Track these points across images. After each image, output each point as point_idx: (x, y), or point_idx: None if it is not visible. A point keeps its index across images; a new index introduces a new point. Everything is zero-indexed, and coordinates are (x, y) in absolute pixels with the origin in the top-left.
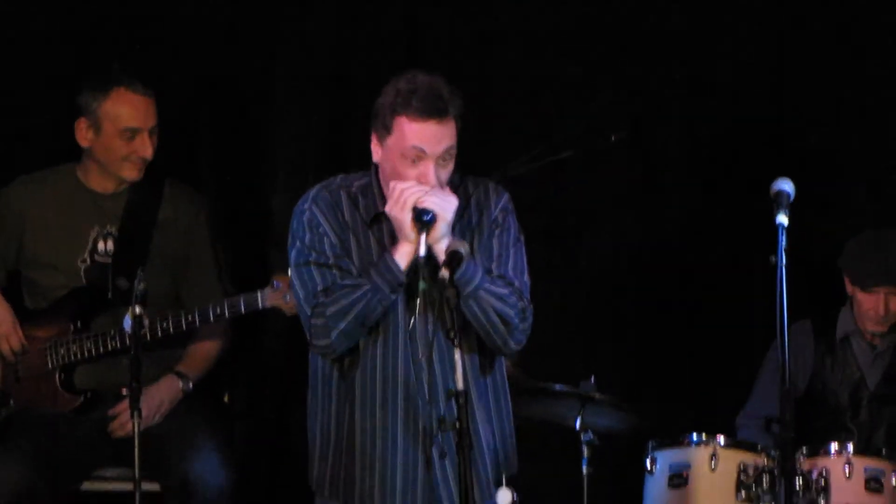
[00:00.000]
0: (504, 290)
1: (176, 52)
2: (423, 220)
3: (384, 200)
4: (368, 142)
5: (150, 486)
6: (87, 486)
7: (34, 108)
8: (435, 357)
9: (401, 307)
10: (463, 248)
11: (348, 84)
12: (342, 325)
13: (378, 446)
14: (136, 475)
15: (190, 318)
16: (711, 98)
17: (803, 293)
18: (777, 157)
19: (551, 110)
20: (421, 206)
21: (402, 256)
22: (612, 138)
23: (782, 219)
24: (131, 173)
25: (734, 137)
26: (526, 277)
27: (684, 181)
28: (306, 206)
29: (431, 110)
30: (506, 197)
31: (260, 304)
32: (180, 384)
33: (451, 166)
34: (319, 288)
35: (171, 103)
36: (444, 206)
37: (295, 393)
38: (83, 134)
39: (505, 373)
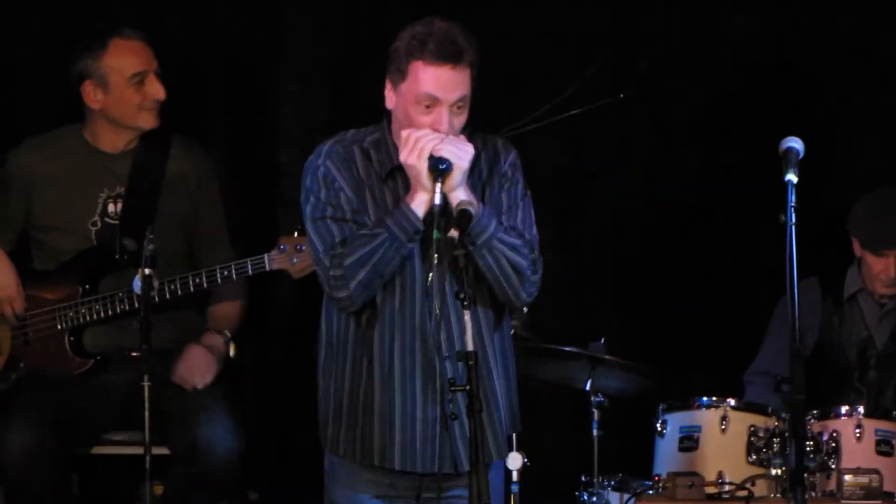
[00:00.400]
0: (517, 241)
1: (184, 6)
2: (439, 168)
3: (398, 153)
4: (379, 94)
5: (160, 450)
6: (96, 450)
7: (36, 72)
8: (451, 312)
9: (417, 261)
10: (472, 208)
11: (357, 35)
12: (361, 276)
13: (397, 403)
14: (146, 439)
15: (198, 281)
16: (719, 53)
17: (811, 250)
18: (787, 112)
19: (559, 67)
20: (437, 154)
21: (419, 205)
22: (621, 95)
23: (791, 176)
24: (149, 121)
25: (743, 93)
26: (535, 231)
27: (692, 138)
28: (320, 161)
29: (447, 55)
30: (514, 153)
31: (267, 267)
32: (222, 339)
33: (465, 115)
34: (337, 240)
35: (178, 59)
36: (461, 154)
37: (303, 353)
38: (91, 96)
39: (510, 332)
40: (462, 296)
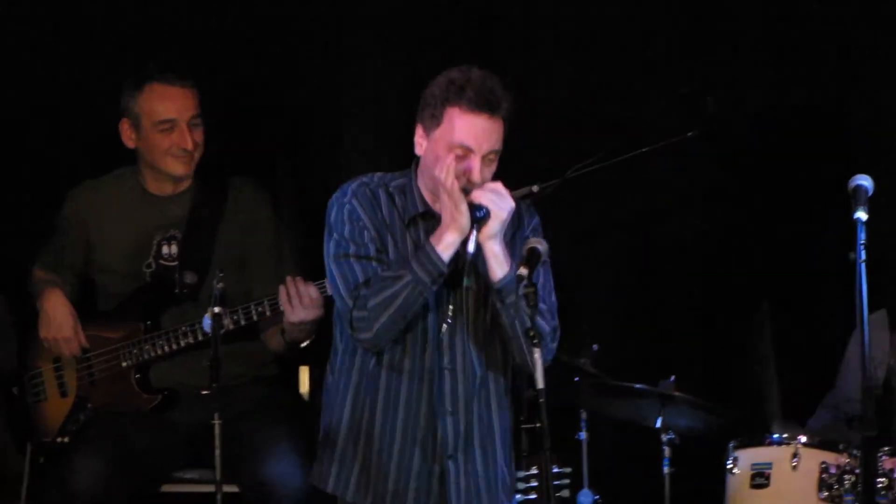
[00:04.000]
0: (542, 306)
1: (254, 52)
2: (477, 215)
3: (423, 200)
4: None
5: (229, 488)
6: (165, 488)
7: (97, 112)
8: (458, 367)
9: (430, 317)
10: (541, 246)
11: (421, 82)
12: (384, 318)
13: (395, 452)
14: (218, 477)
15: (260, 309)
16: (784, 93)
17: (878, 283)
18: (849, 151)
19: (620, 109)
20: (476, 200)
21: (446, 247)
22: (689, 134)
23: (861, 214)
24: (176, 168)
25: (808, 133)
26: (553, 297)
27: (757, 177)
28: (346, 199)
29: (484, 104)
30: (536, 219)
31: (330, 290)
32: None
33: (493, 167)
34: (360, 280)
35: (244, 101)
36: (501, 204)
37: None
38: (127, 135)
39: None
40: (532, 333)
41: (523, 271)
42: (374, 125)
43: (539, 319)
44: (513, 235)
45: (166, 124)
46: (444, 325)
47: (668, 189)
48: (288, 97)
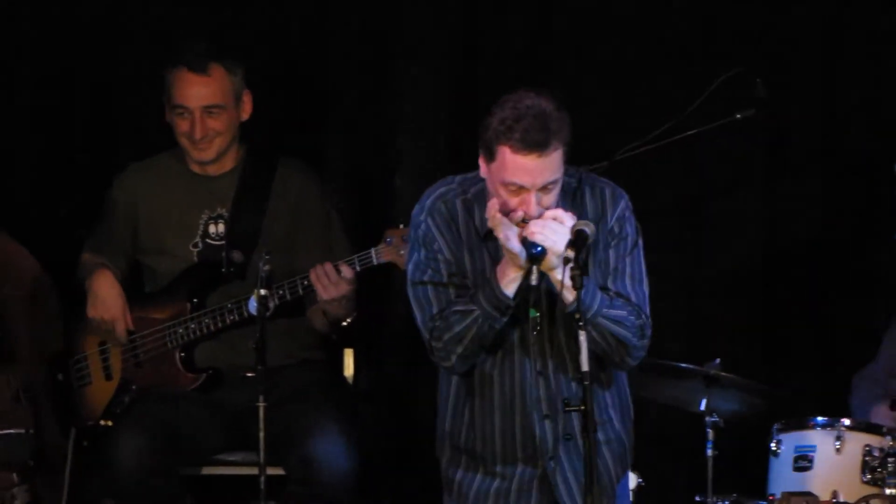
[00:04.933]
0: (622, 312)
1: (306, 29)
2: (533, 253)
3: None
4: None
5: (274, 470)
6: (209, 470)
7: (147, 95)
8: (551, 372)
9: (516, 323)
10: (588, 228)
11: (475, 54)
12: (459, 350)
13: (498, 458)
14: (262, 459)
15: (306, 283)
16: (842, 77)
17: None
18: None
19: (676, 86)
20: (531, 238)
21: (509, 283)
22: (738, 116)
23: None
24: (193, 152)
25: (862, 118)
26: (645, 286)
27: (809, 159)
28: (422, 217)
29: (533, 144)
30: (623, 202)
31: (374, 261)
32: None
33: (555, 192)
34: (434, 311)
35: (297, 82)
36: (555, 238)
37: (420, 372)
38: (167, 111)
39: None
40: (578, 316)
41: (569, 254)
42: (427, 103)
43: (617, 328)
44: (596, 229)
45: (180, 110)
46: (534, 332)
47: (719, 170)
48: (338, 75)
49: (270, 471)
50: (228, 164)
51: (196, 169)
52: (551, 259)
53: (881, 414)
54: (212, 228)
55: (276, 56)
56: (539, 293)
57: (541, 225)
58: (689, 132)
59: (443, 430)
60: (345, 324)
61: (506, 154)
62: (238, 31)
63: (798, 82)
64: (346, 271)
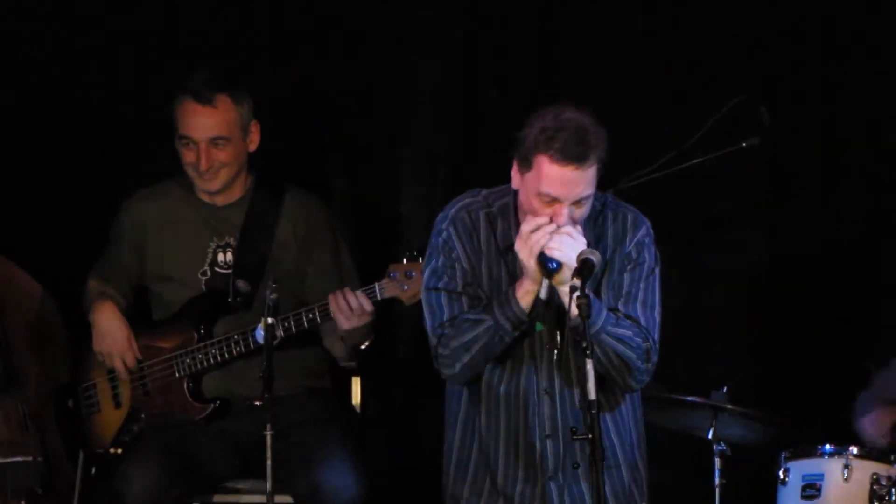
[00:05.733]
0: (627, 332)
1: (306, 55)
2: (548, 267)
3: (519, 228)
4: (500, 150)
5: (282, 498)
6: (217, 498)
7: (153, 121)
8: (556, 391)
9: (526, 341)
10: (594, 257)
11: (477, 88)
12: (466, 359)
13: (499, 475)
14: (269, 488)
15: (311, 316)
16: (845, 104)
17: None
18: None
19: (679, 117)
20: (548, 252)
21: (525, 296)
22: (744, 144)
23: None
24: (199, 182)
25: (867, 146)
26: (656, 313)
27: (815, 188)
28: (444, 225)
29: (572, 156)
30: (643, 229)
31: (378, 296)
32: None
33: (587, 207)
34: (446, 318)
35: (299, 109)
36: (571, 254)
37: (426, 400)
38: (176, 140)
39: (632, 404)
40: (585, 344)
41: (576, 282)
42: (432, 128)
43: (622, 347)
44: (614, 251)
45: (186, 140)
46: (551, 353)
47: (722, 199)
48: (343, 101)
49: (279, 498)
50: (236, 193)
51: (204, 198)
52: (564, 272)
53: (875, 421)
54: (220, 257)
55: (279, 82)
56: (546, 308)
57: (557, 239)
58: (695, 161)
59: (449, 459)
60: (363, 347)
61: (543, 164)
62: (246, 63)
63: (800, 104)
64: (367, 304)
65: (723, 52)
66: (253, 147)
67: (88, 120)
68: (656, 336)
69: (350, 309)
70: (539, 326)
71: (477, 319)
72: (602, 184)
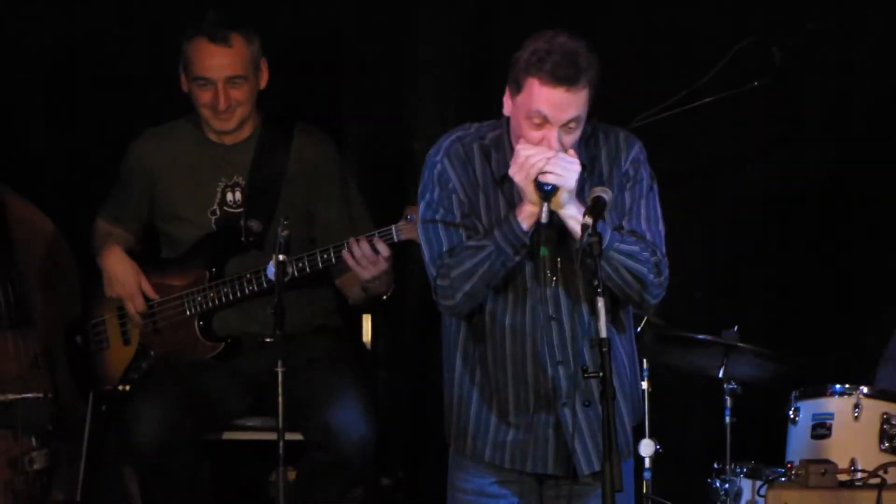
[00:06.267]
0: (635, 247)
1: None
2: (545, 190)
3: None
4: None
5: (293, 436)
6: (228, 435)
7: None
8: (564, 317)
9: (528, 269)
10: (606, 195)
11: (491, 29)
12: (467, 287)
13: (511, 405)
14: (280, 425)
15: (325, 256)
16: (856, 48)
17: None
18: None
19: (691, 54)
20: (542, 178)
21: (526, 218)
22: (755, 83)
23: None
24: (215, 122)
25: (877, 88)
26: (661, 227)
27: (826, 128)
28: (438, 157)
29: (562, 77)
30: (637, 147)
31: (395, 238)
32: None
33: (577, 133)
34: (445, 248)
35: (311, 49)
36: (566, 175)
37: (437, 339)
38: (183, 81)
39: (630, 328)
40: (596, 282)
41: (587, 220)
42: (442, 70)
43: (632, 262)
44: (610, 172)
45: (202, 81)
46: (553, 280)
47: (734, 139)
48: (353, 41)
49: (289, 436)
50: (245, 132)
51: (213, 137)
52: (562, 195)
53: None
54: (229, 196)
55: (290, 24)
56: (549, 232)
57: (552, 163)
58: (706, 99)
59: (450, 395)
60: (385, 298)
61: (534, 86)
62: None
63: (815, 49)
64: (384, 249)
65: None
66: (263, 84)
67: (97, 59)
68: (664, 249)
69: (365, 256)
70: (544, 251)
71: (479, 246)
72: (613, 123)
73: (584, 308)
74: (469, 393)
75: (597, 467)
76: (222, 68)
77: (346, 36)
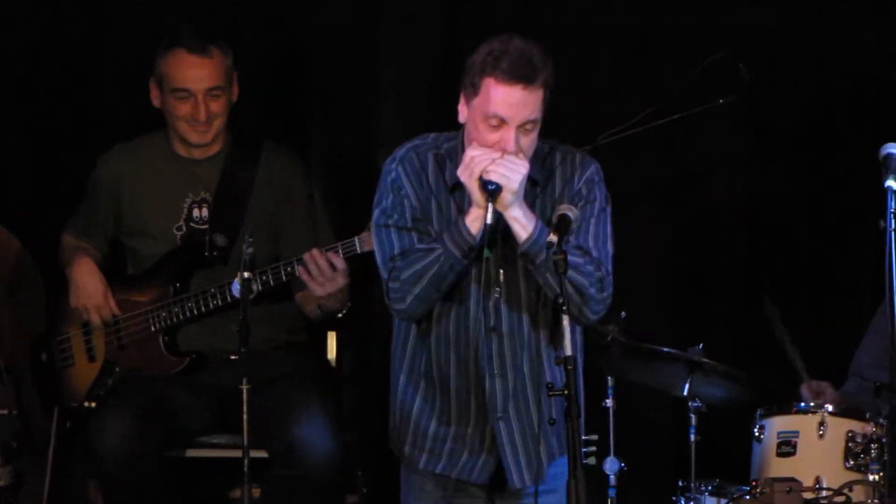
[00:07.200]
0: (579, 260)
1: (282, 10)
2: (489, 189)
3: None
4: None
5: (258, 453)
6: (192, 452)
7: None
8: (504, 329)
9: (474, 276)
10: (571, 213)
11: (456, 41)
12: (417, 290)
13: (452, 415)
14: (245, 442)
15: (289, 269)
16: (823, 61)
17: None
18: (890, 121)
19: (658, 71)
20: (486, 175)
21: (474, 221)
22: (721, 101)
23: (891, 183)
24: (191, 135)
25: (845, 101)
26: (609, 247)
27: (793, 144)
28: (393, 165)
29: (519, 75)
30: (592, 167)
31: (358, 249)
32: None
33: (534, 135)
34: (396, 251)
35: (275, 64)
36: (511, 176)
37: None
38: (154, 93)
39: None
40: (561, 300)
41: (553, 238)
42: (407, 89)
43: (574, 274)
44: (563, 190)
45: (182, 93)
46: (496, 291)
47: (701, 156)
48: (321, 57)
49: (254, 453)
50: (215, 147)
51: (182, 151)
52: (506, 196)
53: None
54: (196, 212)
55: (258, 42)
56: (493, 235)
57: (498, 163)
58: (673, 116)
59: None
60: (340, 315)
61: (490, 85)
62: (222, 13)
63: (782, 66)
64: (339, 262)
65: (703, 6)
66: (235, 97)
67: (66, 75)
68: (609, 268)
69: (321, 273)
70: (487, 253)
71: (428, 249)
72: (579, 140)
73: (526, 320)
74: (412, 400)
75: (528, 482)
76: (202, 79)
77: (315, 55)
